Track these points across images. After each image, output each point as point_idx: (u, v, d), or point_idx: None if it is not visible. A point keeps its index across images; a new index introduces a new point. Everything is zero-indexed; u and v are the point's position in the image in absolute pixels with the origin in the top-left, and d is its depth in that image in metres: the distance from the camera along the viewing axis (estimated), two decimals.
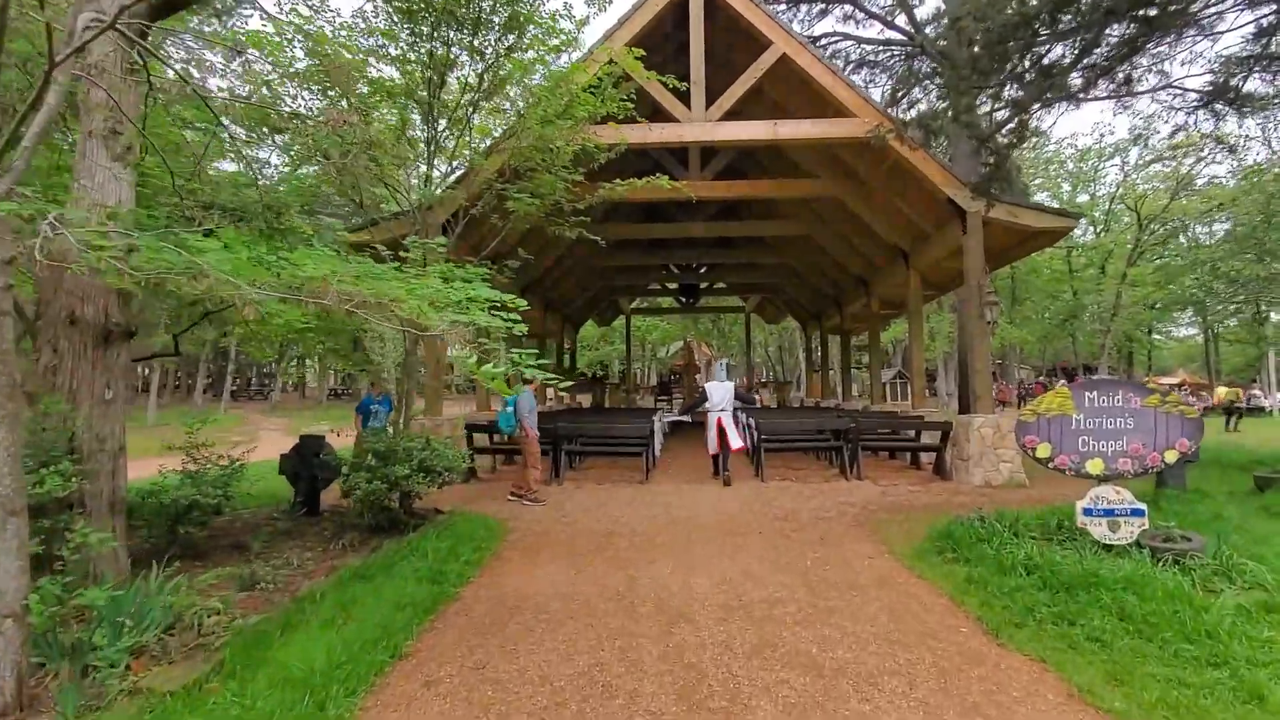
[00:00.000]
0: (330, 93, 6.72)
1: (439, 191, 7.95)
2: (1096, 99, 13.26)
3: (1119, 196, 33.76)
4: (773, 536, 5.90)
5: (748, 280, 19.79)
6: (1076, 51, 7.09)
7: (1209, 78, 8.20)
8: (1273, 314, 36.97)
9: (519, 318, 4.14)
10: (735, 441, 8.77)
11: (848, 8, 15.13)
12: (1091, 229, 35.36)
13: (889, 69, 15.11)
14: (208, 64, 9.85)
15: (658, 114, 9.40)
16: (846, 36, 15.30)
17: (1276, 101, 10.93)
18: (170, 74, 6.25)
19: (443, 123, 7.74)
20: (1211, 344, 43.46)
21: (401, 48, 7.00)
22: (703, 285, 20.53)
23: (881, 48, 15.21)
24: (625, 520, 6.65)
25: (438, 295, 4.11)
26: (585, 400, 22.97)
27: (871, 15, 14.82)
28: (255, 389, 45.04)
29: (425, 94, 6.99)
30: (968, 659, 3.33)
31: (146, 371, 30.11)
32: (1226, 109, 8.35)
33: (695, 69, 9.34)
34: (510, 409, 7.76)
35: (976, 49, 6.65)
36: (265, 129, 6.85)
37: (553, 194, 7.65)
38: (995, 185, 8.22)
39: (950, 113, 7.39)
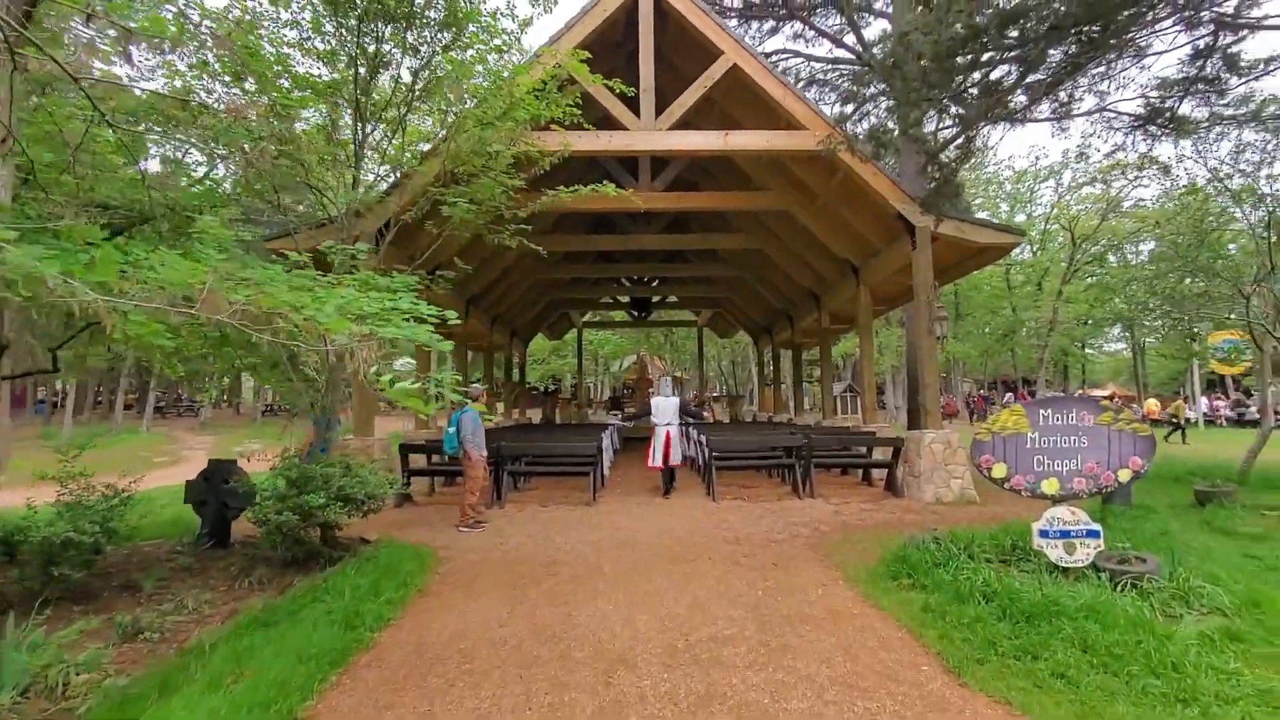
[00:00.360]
0: (247, 85, 6.18)
1: (370, 195, 7.42)
2: (1038, 120, 13.66)
3: (1053, 217, 35.28)
4: (723, 563, 5.59)
5: (699, 294, 19.69)
6: (1020, 70, 7.14)
7: (1143, 101, 8.48)
8: (1198, 329, 39.46)
9: (440, 335, 3.75)
10: (676, 456, 9.08)
11: (798, 26, 15.26)
12: (1029, 247, 36.87)
13: (838, 88, 15.28)
14: (117, 52, 9.08)
15: (607, 123, 9.13)
16: (797, 54, 15.43)
17: (1206, 125, 11.42)
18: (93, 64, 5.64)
19: (376, 124, 7.28)
20: (1139, 358, 45.82)
21: (330, 42, 6.53)
22: (654, 299, 20.33)
23: (830, 66, 15.39)
24: (568, 547, 6.24)
25: (348, 305, 3.68)
26: (538, 415, 22.41)
27: (821, 34, 14.97)
28: (186, 405, 42.62)
29: (354, 91, 6.51)
30: (931, 705, 3.06)
31: (63, 387, 28.07)
32: (1161, 131, 8.60)
33: (645, 76, 9.11)
34: (453, 429, 7.26)
35: (925, 62, 6.59)
36: (174, 123, 6.26)
37: (492, 200, 7.24)
38: (943, 201, 8.22)
39: (899, 127, 7.33)
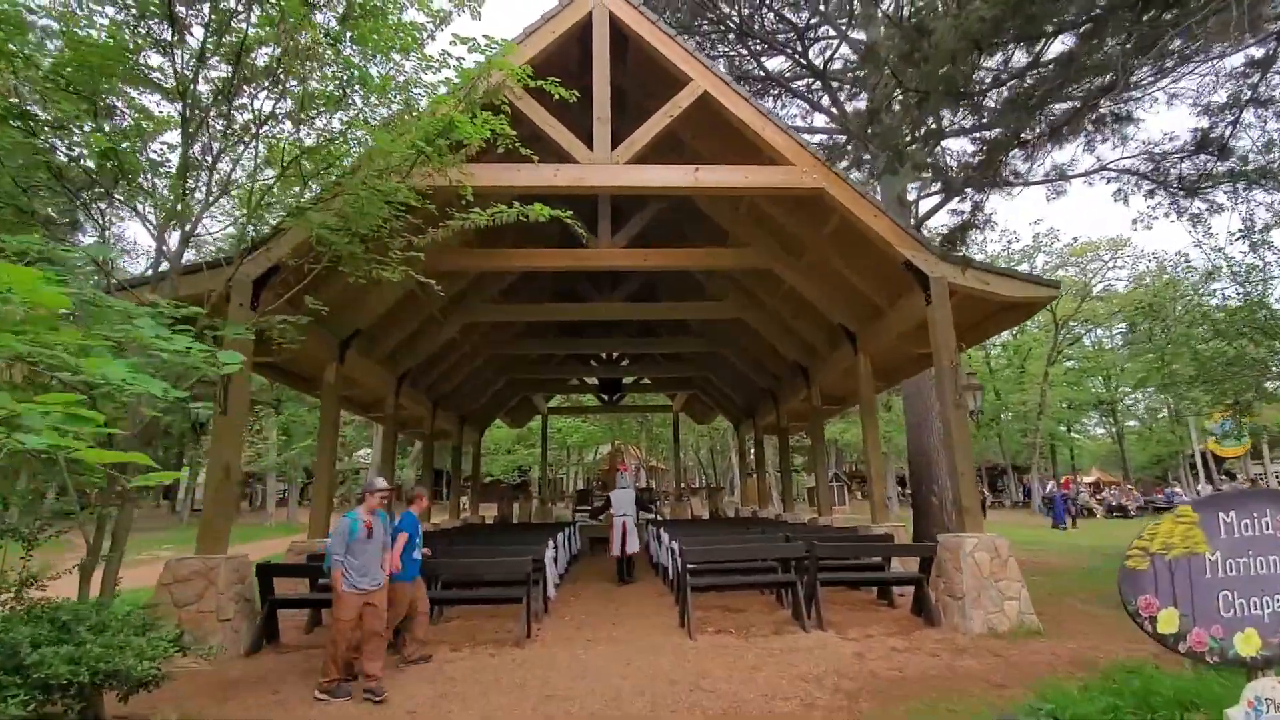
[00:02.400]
0: None
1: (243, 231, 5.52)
2: (1031, 183, 12.59)
3: None
4: None
5: (673, 374, 17.88)
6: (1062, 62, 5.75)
7: (1193, 131, 7.28)
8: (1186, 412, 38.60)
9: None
10: (632, 545, 9.59)
11: (775, 89, 14.43)
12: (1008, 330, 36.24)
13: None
14: None
15: (555, 158, 7.54)
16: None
17: (1209, 185, 10.29)
18: None
19: (233, 136, 5.53)
20: (1120, 443, 44.62)
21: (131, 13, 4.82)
22: (625, 380, 18.46)
23: (807, 134, 14.47)
24: None
25: None
26: (503, 512, 19.83)
27: (797, 95, 14.09)
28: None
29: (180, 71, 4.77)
30: None
31: None
32: (1209, 160, 7.30)
33: (600, 103, 7.64)
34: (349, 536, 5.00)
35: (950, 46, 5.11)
36: None
37: (371, 221, 5.46)
38: (967, 238, 6.62)
39: (914, 133, 5.78)
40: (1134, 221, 11.06)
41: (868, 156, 8.77)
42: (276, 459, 28.34)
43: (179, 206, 5.05)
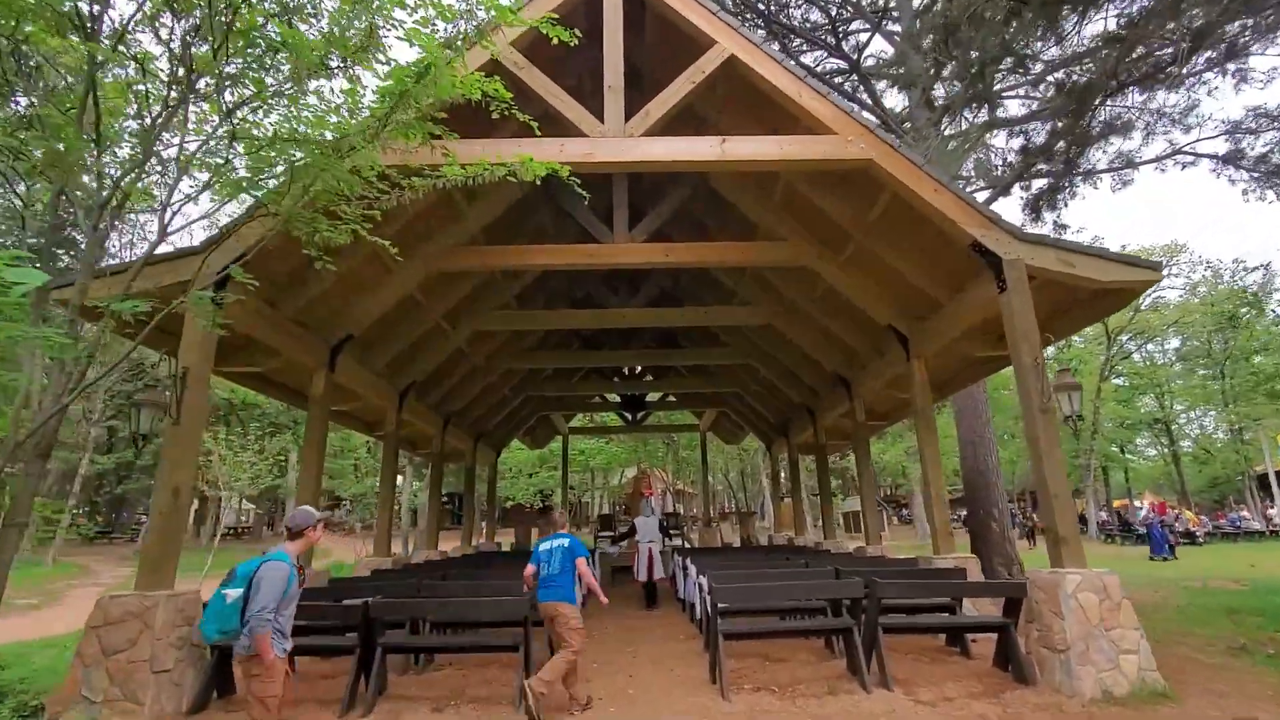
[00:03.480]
0: None
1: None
2: (1098, 171, 11.31)
3: None
4: None
5: (699, 390, 16.73)
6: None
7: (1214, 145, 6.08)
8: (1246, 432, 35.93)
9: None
10: (658, 572, 9.46)
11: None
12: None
13: None
14: None
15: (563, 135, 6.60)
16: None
17: None
18: None
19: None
20: (1177, 465, 41.82)
21: None
22: (649, 397, 17.38)
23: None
24: None
25: None
26: (520, 539, 18.75)
27: (834, 90, 13.08)
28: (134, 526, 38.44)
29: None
30: None
31: None
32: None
33: (612, 69, 6.72)
34: (231, 593, 3.80)
35: None
36: None
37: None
38: (1050, 207, 5.44)
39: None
40: (1244, 194, 9.62)
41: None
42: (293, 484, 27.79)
43: (111, 187, 4.14)
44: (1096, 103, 5.38)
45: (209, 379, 6.06)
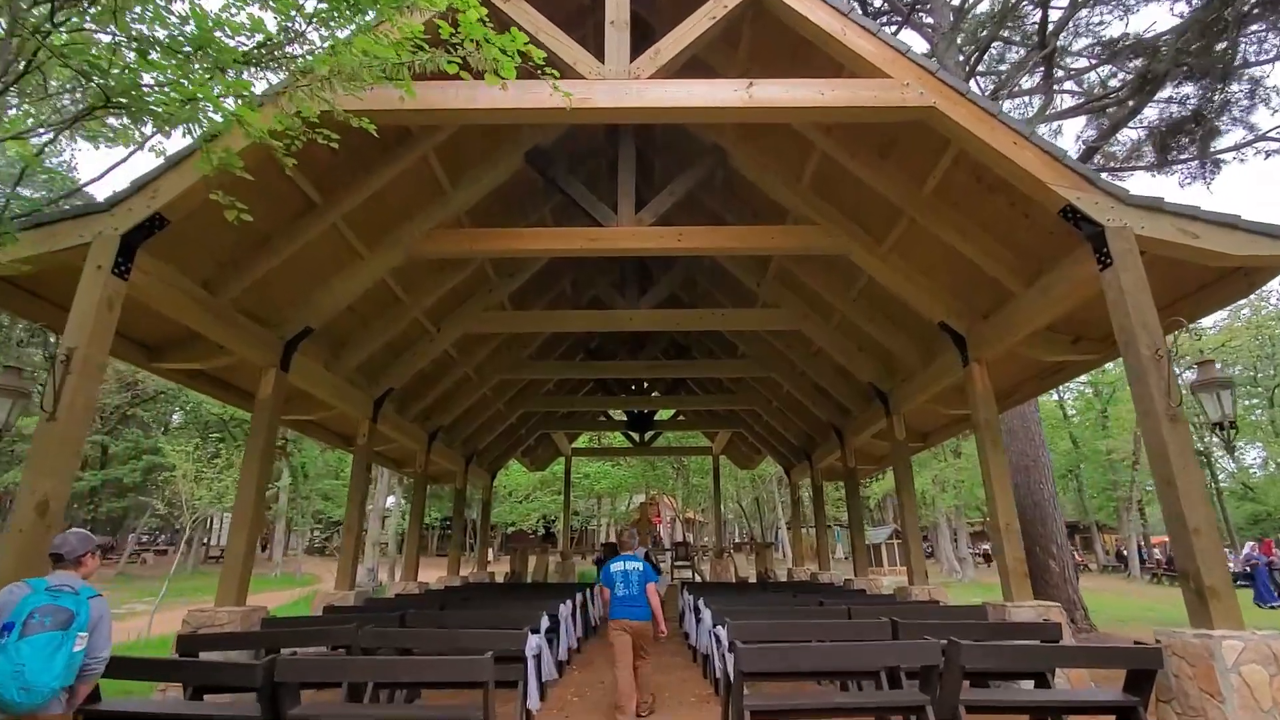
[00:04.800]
0: None
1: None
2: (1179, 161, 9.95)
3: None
4: None
5: (713, 407, 15.37)
6: None
7: None
8: None
9: None
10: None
11: None
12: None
13: None
14: None
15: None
16: None
17: None
18: None
19: None
20: (1220, 500, 39.59)
21: None
22: (658, 414, 16.03)
23: None
24: None
25: None
26: (515, 568, 17.28)
27: None
28: (152, 544, 36.98)
29: None
30: None
31: None
32: None
33: (615, 5, 5.58)
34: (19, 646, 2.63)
35: None
36: None
37: None
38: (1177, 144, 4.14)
39: None
40: None
41: None
42: (286, 506, 26.50)
43: None
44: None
45: (103, 368, 4.83)
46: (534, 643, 5.09)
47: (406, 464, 12.52)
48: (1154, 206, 4.93)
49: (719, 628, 5.57)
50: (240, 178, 5.49)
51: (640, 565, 5.54)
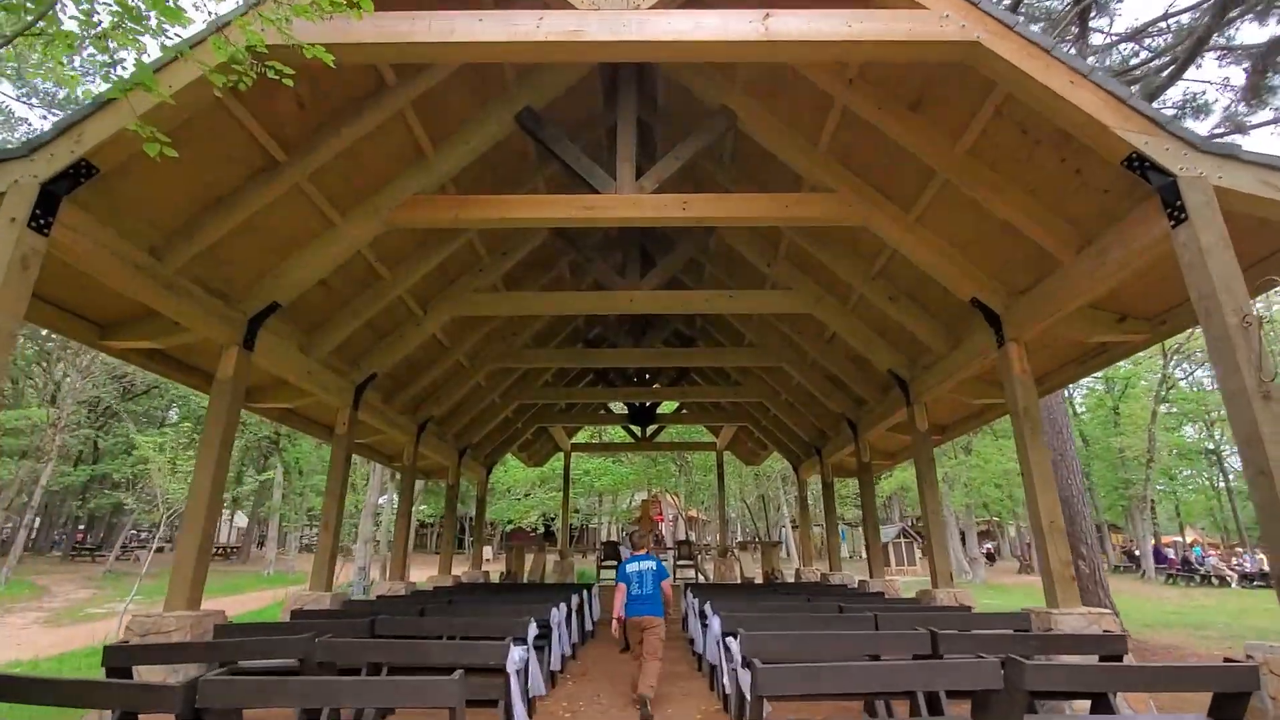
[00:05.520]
0: None
1: None
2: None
3: None
4: None
5: (718, 400, 14.71)
6: None
7: None
8: None
9: None
10: None
11: None
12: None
13: None
14: None
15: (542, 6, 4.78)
16: None
17: None
18: None
19: None
20: (1231, 499, 38.87)
21: None
22: (660, 408, 15.37)
23: None
24: None
25: None
26: (511, 567, 16.63)
27: None
28: (137, 541, 36.47)
29: None
30: None
31: None
32: None
33: None
34: None
35: None
36: None
37: None
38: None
39: None
40: None
41: None
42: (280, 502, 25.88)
43: None
44: None
45: (14, 336, 4.18)
46: (517, 655, 4.43)
47: (398, 458, 11.88)
48: (1231, 154, 4.25)
49: (729, 639, 4.91)
50: (188, 129, 4.87)
51: (654, 564, 5.98)
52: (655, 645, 5.69)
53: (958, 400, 8.87)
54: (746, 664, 3.81)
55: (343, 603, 7.76)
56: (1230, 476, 38.88)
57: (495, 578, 15.97)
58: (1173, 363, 27.25)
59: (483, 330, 10.41)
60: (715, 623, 5.53)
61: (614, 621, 5.95)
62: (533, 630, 5.37)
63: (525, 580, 15.69)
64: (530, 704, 5.45)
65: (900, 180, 6.55)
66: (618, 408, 16.80)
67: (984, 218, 6.04)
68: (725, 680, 5.29)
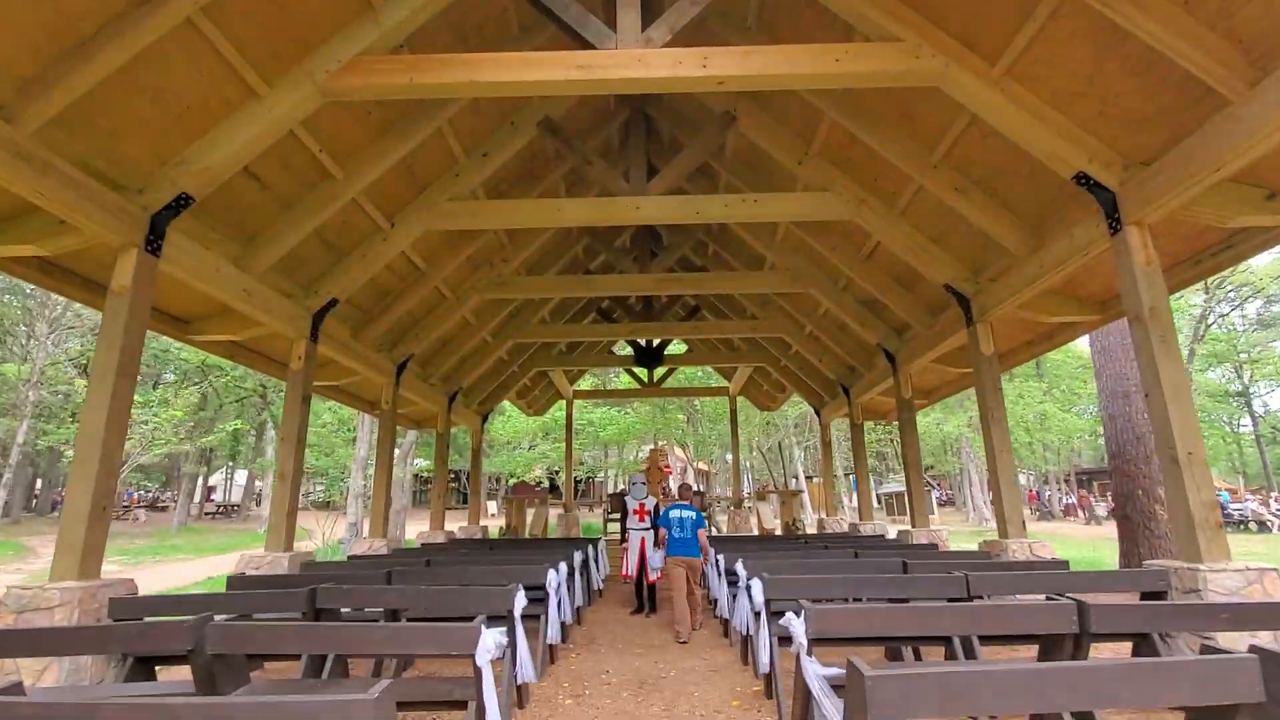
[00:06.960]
0: None
1: None
2: None
3: None
4: None
5: (732, 332, 13.35)
6: None
7: None
8: None
9: None
10: (652, 572, 7.56)
11: None
12: None
13: None
14: None
15: None
16: None
17: None
18: None
19: None
20: (1259, 446, 37.67)
21: None
22: (668, 348, 14.02)
23: None
24: None
25: None
26: (511, 522, 15.60)
27: None
28: (154, 500, 35.96)
29: None
30: None
31: None
32: None
33: None
34: None
35: None
36: None
37: None
38: None
39: None
40: None
41: None
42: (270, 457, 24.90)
43: None
44: None
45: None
46: (492, 642, 3.17)
47: (379, 404, 10.62)
48: None
49: (758, 590, 3.65)
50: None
51: (693, 514, 6.71)
52: (694, 581, 6.52)
53: (1027, 320, 7.46)
54: (837, 686, 2.54)
55: (301, 565, 6.60)
56: (1256, 421, 37.72)
57: (495, 533, 14.94)
58: (1215, 300, 25.71)
59: (464, 252, 8.97)
60: (756, 589, 4.27)
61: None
62: (520, 602, 4.14)
63: (527, 536, 14.66)
64: (520, 692, 4.26)
65: (986, 20, 5.01)
66: (623, 349, 15.45)
67: (1106, 53, 4.53)
68: (761, 653, 4.08)
